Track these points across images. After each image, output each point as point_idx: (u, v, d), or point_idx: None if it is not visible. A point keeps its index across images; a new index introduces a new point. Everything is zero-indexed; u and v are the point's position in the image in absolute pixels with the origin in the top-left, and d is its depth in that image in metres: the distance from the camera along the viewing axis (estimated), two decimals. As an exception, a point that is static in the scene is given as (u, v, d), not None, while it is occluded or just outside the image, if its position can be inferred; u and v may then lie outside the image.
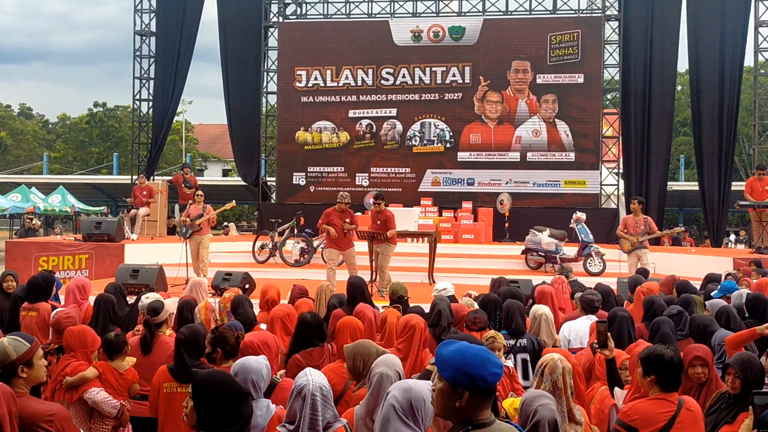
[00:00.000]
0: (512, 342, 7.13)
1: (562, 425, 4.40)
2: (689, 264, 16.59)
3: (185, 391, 5.32)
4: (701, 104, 21.42)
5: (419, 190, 22.79)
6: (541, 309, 7.57)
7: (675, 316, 7.20)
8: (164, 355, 6.33)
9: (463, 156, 22.78)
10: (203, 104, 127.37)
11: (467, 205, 21.73)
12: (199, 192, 15.65)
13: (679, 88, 37.14)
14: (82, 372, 6.11)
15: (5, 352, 4.33)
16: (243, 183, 27.09)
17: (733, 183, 21.79)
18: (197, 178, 23.27)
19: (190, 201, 15.95)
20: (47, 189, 36.95)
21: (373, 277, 13.95)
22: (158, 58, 24.90)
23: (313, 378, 4.10)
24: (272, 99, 24.93)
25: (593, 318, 7.71)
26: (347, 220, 13.89)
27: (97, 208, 39.48)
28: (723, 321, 7.24)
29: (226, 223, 37.96)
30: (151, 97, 25.13)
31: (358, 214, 20.46)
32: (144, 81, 25.05)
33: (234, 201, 16.76)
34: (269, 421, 4.48)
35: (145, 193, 20.02)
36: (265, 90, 24.73)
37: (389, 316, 6.91)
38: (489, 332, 6.53)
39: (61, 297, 10.20)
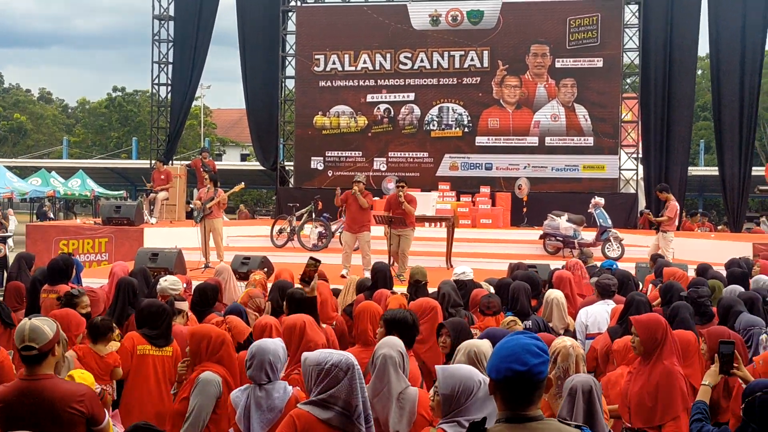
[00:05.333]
0: None
1: None
2: (709, 249, 16.51)
3: (157, 353, 6.10)
4: (721, 89, 21.23)
5: (437, 174, 22.76)
6: (553, 294, 7.57)
7: (698, 300, 7.20)
8: (179, 345, 6.29)
9: (481, 140, 22.71)
10: (222, 89, 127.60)
11: (485, 189, 21.71)
12: (207, 176, 15.65)
13: (699, 72, 36.73)
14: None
15: (44, 332, 4.32)
16: (261, 167, 27.14)
17: (753, 168, 21.61)
18: (216, 162, 23.33)
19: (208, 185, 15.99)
20: (67, 173, 37.12)
21: (391, 262, 13.95)
22: (177, 42, 24.92)
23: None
24: (290, 83, 24.92)
25: (610, 303, 7.72)
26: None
27: (117, 192, 39.68)
28: (747, 306, 7.19)
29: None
30: (169, 82, 25.18)
31: (376, 198, 20.52)
32: (162, 65, 25.10)
33: (243, 183, 16.72)
34: (287, 403, 4.52)
35: (163, 177, 20.09)
36: (283, 74, 24.73)
37: (392, 303, 6.95)
38: (508, 317, 6.55)
39: (83, 280, 10.31)
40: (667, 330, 5.36)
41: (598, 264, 11.48)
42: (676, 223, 15.73)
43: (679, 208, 15.66)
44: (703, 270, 9.74)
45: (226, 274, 9.37)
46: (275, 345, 4.65)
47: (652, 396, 5.22)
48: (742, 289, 8.15)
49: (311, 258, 6.79)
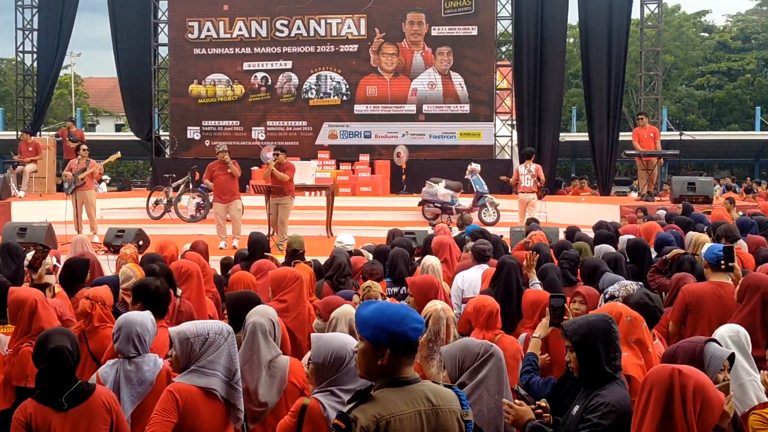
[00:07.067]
0: (396, 289, 7.29)
1: (440, 374, 4.53)
2: (579, 212, 17.13)
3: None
4: (590, 56, 21.85)
5: (316, 143, 22.66)
6: (429, 260, 7.68)
7: (570, 260, 7.48)
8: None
9: (359, 109, 22.72)
10: (94, 57, 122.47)
11: (364, 158, 21.77)
12: (83, 146, 15.23)
13: (570, 40, 37.77)
14: None
15: None
16: (136, 138, 26.40)
17: (621, 133, 22.42)
18: (89, 133, 22.54)
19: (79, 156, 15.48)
20: (-73, 146, 35.25)
21: (271, 232, 13.91)
22: (42, 8, 23.80)
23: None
24: (164, 51, 24.27)
25: (485, 267, 7.90)
26: (229, 170, 14.05)
27: (-18, 166, 37.90)
28: (611, 265, 7.49)
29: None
30: (35, 50, 24.12)
31: (255, 168, 20.36)
32: (27, 32, 23.99)
33: (119, 152, 16.29)
34: (157, 376, 4.45)
35: (31, 149, 19.34)
36: (155, 42, 24.01)
37: (303, 273, 6.92)
38: (366, 282, 6.57)
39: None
40: (438, 290, 5.55)
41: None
42: (527, 185, 16.05)
43: (527, 170, 16.11)
44: (572, 233, 10.09)
45: (79, 246, 9.02)
46: (143, 317, 4.56)
47: None
48: (613, 249, 8.49)
49: (39, 244, 6.71)
